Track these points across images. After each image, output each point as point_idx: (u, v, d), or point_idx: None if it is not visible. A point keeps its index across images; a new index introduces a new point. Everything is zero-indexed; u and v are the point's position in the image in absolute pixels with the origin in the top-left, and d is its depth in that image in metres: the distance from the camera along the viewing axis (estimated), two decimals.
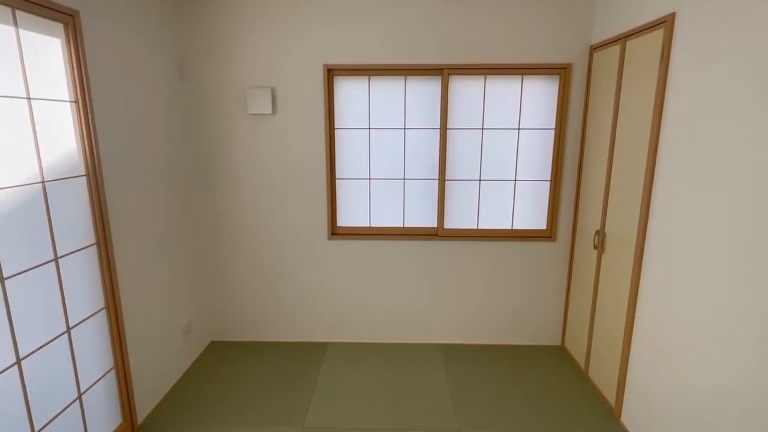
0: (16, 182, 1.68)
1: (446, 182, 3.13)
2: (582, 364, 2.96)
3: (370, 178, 3.15)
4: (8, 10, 1.64)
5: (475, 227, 3.19)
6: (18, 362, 1.69)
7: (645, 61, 2.24)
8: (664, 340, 2.09)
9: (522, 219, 3.18)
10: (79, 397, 2.03)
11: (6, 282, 1.64)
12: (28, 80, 1.74)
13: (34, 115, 1.77)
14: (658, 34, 2.13)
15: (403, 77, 2.99)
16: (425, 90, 3.01)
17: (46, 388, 1.83)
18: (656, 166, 2.15)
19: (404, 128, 3.07)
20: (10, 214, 1.66)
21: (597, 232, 2.72)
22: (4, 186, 1.63)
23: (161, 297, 2.69)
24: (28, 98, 1.74)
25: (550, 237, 3.16)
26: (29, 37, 1.74)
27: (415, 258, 3.22)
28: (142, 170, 2.48)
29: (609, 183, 2.59)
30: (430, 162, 3.11)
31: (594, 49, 2.81)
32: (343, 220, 3.23)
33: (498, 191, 3.14)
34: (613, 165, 2.55)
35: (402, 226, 3.22)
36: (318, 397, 2.70)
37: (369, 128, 3.08)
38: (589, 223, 2.86)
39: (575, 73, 2.91)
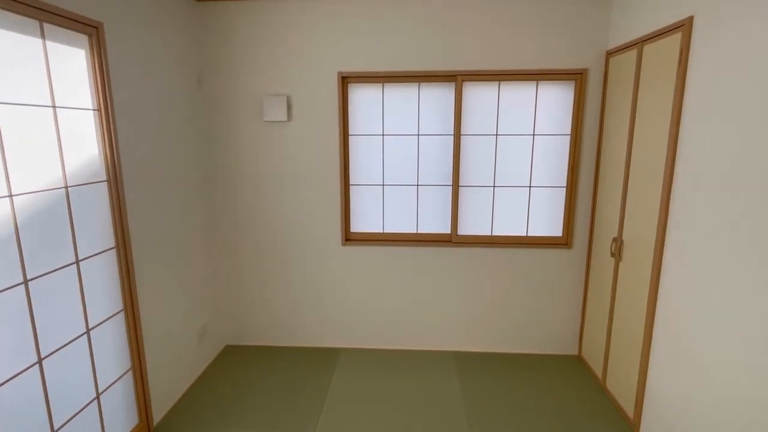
0: (41, 187, 1.75)
1: (460, 188, 3.11)
2: (599, 375, 2.89)
3: (383, 184, 3.16)
4: (36, 23, 1.71)
5: (489, 234, 3.16)
6: (39, 361, 1.74)
7: (663, 66, 2.20)
8: (685, 350, 2.03)
9: (537, 226, 3.14)
10: (97, 397, 2.07)
11: (29, 283, 1.69)
12: (54, 89, 1.81)
13: (59, 123, 1.84)
14: (676, 38, 2.10)
15: (417, 84, 3.01)
16: (438, 96, 3.02)
17: (65, 387, 1.88)
18: (675, 171, 2.11)
19: (418, 134, 3.08)
20: (35, 217, 1.72)
21: (614, 240, 2.67)
22: (29, 190, 1.69)
23: (178, 300, 2.74)
24: (53, 107, 1.81)
25: (566, 244, 3.11)
26: (55, 48, 1.81)
27: (429, 264, 3.21)
28: (161, 176, 2.54)
29: (626, 189, 2.55)
30: (443, 168, 3.11)
31: (610, 54, 2.78)
32: (357, 226, 3.24)
33: (512, 197, 3.11)
34: (630, 171, 2.51)
35: (415, 232, 3.21)
36: (330, 402, 2.70)
37: (383, 135, 3.10)
38: (606, 230, 2.80)
39: (591, 78, 2.88)
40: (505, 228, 3.16)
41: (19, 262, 1.65)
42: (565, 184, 3.07)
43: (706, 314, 1.89)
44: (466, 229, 3.17)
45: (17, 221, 1.64)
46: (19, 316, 1.66)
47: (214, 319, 3.27)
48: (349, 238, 3.24)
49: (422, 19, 2.87)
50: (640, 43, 2.41)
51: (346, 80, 3.02)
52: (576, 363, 3.14)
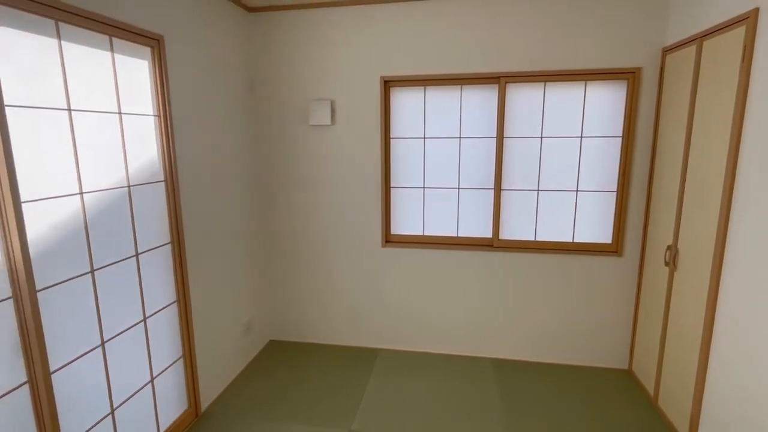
0: (107, 185, 1.93)
1: (502, 192, 3.06)
2: (651, 391, 2.72)
3: (424, 187, 3.17)
4: (106, 37, 1.90)
5: (533, 239, 3.08)
6: (102, 344, 1.91)
7: (724, 62, 2.05)
8: (747, 368, 1.87)
9: (584, 231, 3.01)
10: (152, 381, 2.24)
11: (95, 273, 1.87)
12: (120, 97, 1.99)
13: (124, 128, 2.02)
14: (739, 33, 1.95)
15: (459, 86, 2.99)
16: (481, 98, 2.98)
17: (123, 369, 2.05)
18: (736, 175, 1.95)
19: (459, 137, 3.06)
20: (101, 213, 1.90)
21: (669, 248, 2.51)
22: (97, 189, 1.87)
23: (226, 295, 2.90)
24: (119, 113, 1.99)
25: (616, 251, 2.96)
26: (122, 59, 1.99)
27: (469, 268, 3.17)
28: (212, 178, 2.71)
29: (683, 194, 2.39)
30: (485, 171, 3.07)
31: (667, 51, 2.62)
32: (397, 228, 3.27)
33: (558, 202, 3.01)
34: (687, 175, 2.35)
35: (456, 235, 3.19)
36: (366, 401, 2.74)
37: (424, 137, 3.11)
38: (660, 237, 2.64)
39: (645, 77, 2.73)
40: (550, 233, 3.05)
41: (87, 253, 1.83)
42: (615, 189, 2.92)
43: None
44: (508, 233, 3.11)
45: (86, 216, 1.82)
46: (86, 302, 1.83)
47: (259, 315, 3.42)
48: (390, 240, 3.27)
49: (465, 21, 2.86)
50: (699, 39, 2.26)
51: (388, 84, 3.06)
52: (625, 377, 2.97)
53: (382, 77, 3.01)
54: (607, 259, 2.98)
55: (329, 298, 3.42)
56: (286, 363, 3.20)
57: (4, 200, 1.47)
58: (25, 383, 1.58)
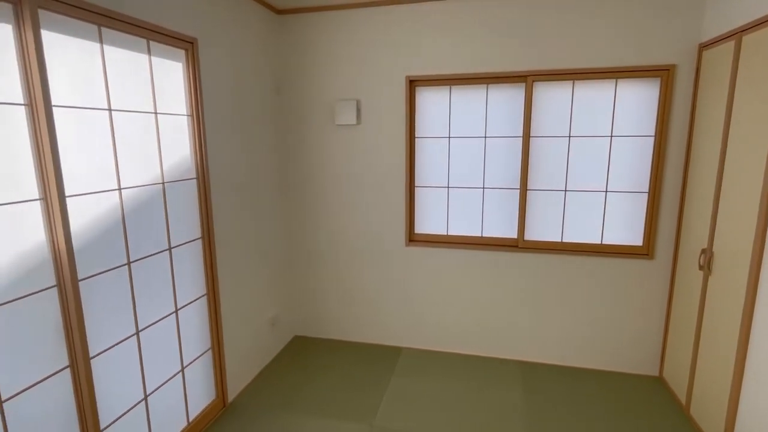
0: (143, 182, 2.02)
1: (528, 192, 3.02)
2: (683, 399, 2.63)
3: (448, 186, 3.17)
4: (144, 41, 1.99)
5: (559, 240, 3.02)
6: (137, 333, 2.01)
7: (765, 59, 1.97)
8: None
9: (613, 233, 2.94)
10: (182, 370, 2.33)
11: (132, 265, 1.96)
12: (156, 98, 2.08)
13: (159, 127, 2.11)
14: None
15: (485, 86, 2.98)
16: (507, 97, 2.95)
17: (156, 358, 2.14)
18: None
19: (485, 136, 3.04)
20: (137, 208, 1.99)
21: (703, 251, 2.42)
22: (134, 185, 1.97)
23: (253, 290, 2.98)
24: (155, 113, 2.08)
25: (647, 254, 2.87)
26: (158, 62, 2.09)
27: (494, 269, 3.14)
28: (241, 176, 2.79)
29: (719, 196, 2.30)
30: (510, 171, 3.04)
31: (704, 47, 2.53)
32: (421, 228, 3.27)
33: (586, 203, 2.95)
34: (724, 176, 2.26)
35: (480, 235, 3.17)
36: (388, 398, 2.76)
37: (449, 137, 3.10)
38: (694, 240, 2.55)
39: (680, 74, 2.64)
40: (577, 234, 2.99)
41: (124, 246, 1.92)
42: (647, 190, 2.84)
43: None
44: (533, 234, 3.06)
45: (124, 211, 1.91)
46: (123, 292, 1.93)
47: (285, 310, 3.49)
48: (413, 239, 3.28)
49: (491, 19, 2.84)
50: (738, 34, 2.17)
51: (413, 84, 3.08)
52: (656, 384, 2.88)
53: (407, 77, 3.03)
54: (638, 261, 2.89)
55: (353, 296, 3.46)
56: (310, 358, 3.26)
57: (50, 194, 1.57)
58: (66, 367, 1.68)
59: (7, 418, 1.48)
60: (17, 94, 1.48)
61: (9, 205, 1.46)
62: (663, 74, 2.68)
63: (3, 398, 1.46)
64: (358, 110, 3.16)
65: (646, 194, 2.84)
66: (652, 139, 2.78)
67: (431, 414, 2.60)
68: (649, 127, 2.77)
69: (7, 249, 1.46)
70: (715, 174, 2.35)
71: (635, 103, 2.77)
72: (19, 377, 1.52)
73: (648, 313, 2.93)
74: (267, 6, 3.00)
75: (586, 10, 2.70)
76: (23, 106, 1.50)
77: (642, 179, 2.84)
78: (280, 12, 3.15)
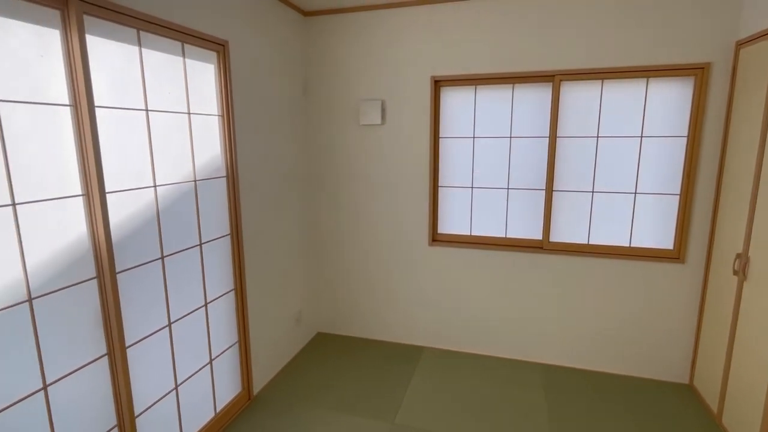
0: (177, 179, 2.10)
1: (554, 193, 2.98)
2: (714, 408, 2.55)
3: (472, 187, 3.16)
4: (179, 44, 2.07)
5: (586, 242, 2.97)
6: (169, 324, 2.09)
7: None
8: None
9: (642, 236, 2.87)
10: (210, 362, 2.41)
11: (165, 259, 2.04)
12: (189, 98, 2.16)
13: (192, 127, 2.19)
14: None
15: (511, 85, 2.95)
16: (533, 97, 2.92)
17: (186, 349, 2.22)
18: None
19: (510, 137, 3.02)
20: (171, 205, 2.07)
21: (738, 256, 2.34)
22: (168, 182, 2.04)
23: (278, 287, 3.05)
24: (188, 113, 2.16)
25: (678, 258, 2.80)
26: (191, 63, 2.16)
27: (517, 270, 3.11)
28: (268, 174, 2.86)
29: (756, 199, 2.22)
30: (536, 172, 3.00)
31: (741, 44, 2.44)
32: (444, 228, 3.27)
33: (614, 204, 2.89)
34: (761, 178, 2.18)
35: (504, 236, 3.15)
36: (410, 397, 2.77)
37: (473, 137, 3.09)
38: (729, 244, 2.47)
39: (715, 73, 2.56)
40: (605, 237, 2.94)
41: (158, 241, 2.00)
42: (678, 192, 2.76)
43: None
44: (559, 236, 3.02)
45: (158, 207, 1.99)
46: (156, 285, 2.01)
47: (309, 308, 3.55)
48: (436, 238, 3.29)
49: (517, 18, 2.82)
50: None
51: (438, 84, 3.08)
52: (686, 392, 2.80)
53: (432, 77, 3.03)
54: (668, 265, 2.82)
55: (376, 295, 3.48)
56: (332, 355, 3.31)
57: (92, 191, 1.66)
58: (104, 355, 1.77)
59: (50, 401, 1.57)
60: (63, 95, 1.57)
61: (55, 201, 1.55)
62: (697, 73, 2.60)
63: (47, 382, 1.55)
64: (383, 110, 3.18)
65: (677, 196, 2.77)
66: (685, 139, 2.70)
67: (452, 415, 2.61)
68: (682, 127, 2.70)
69: (53, 242, 1.55)
70: (752, 176, 2.27)
71: (667, 103, 2.70)
72: (62, 363, 1.61)
73: (678, 318, 2.85)
74: (294, 8, 3.06)
75: (616, 7, 2.65)
76: (68, 107, 1.58)
77: (673, 181, 2.76)
78: (307, 14, 3.20)
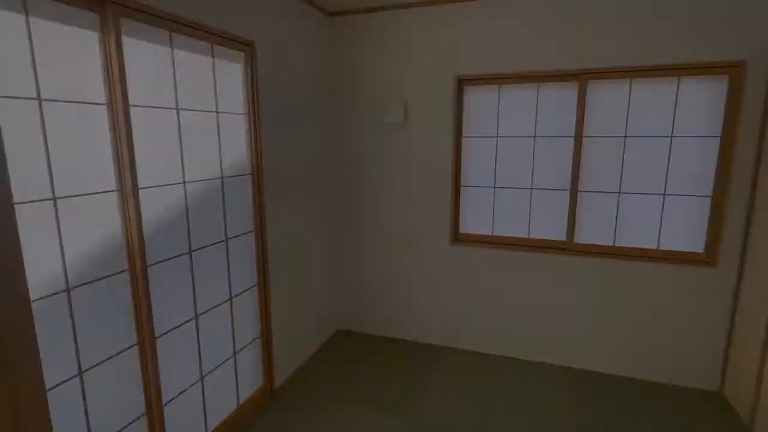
0: (205, 176, 2.16)
1: (579, 193, 2.93)
2: (745, 418, 2.46)
3: (495, 187, 3.13)
4: (208, 45, 2.13)
5: (611, 244, 2.91)
6: (196, 317, 2.15)
7: None
8: None
9: (671, 238, 2.79)
10: (234, 355, 2.47)
11: (192, 254, 2.11)
12: (218, 98, 2.22)
13: (220, 125, 2.25)
14: None
15: (536, 85, 2.92)
16: (559, 96, 2.88)
17: (212, 342, 2.28)
18: None
19: (534, 136, 2.98)
20: (198, 201, 2.13)
21: None
22: (196, 179, 2.11)
23: (299, 283, 3.10)
24: (216, 112, 2.22)
25: (710, 262, 2.71)
26: (219, 63, 2.22)
27: (540, 271, 3.07)
28: (292, 172, 2.91)
29: None
30: (560, 172, 2.96)
31: None
32: (466, 227, 3.26)
33: (641, 205, 2.82)
34: None
35: (527, 237, 3.11)
36: (428, 396, 2.77)
37: (497, 137, 3.07)
38: (764, 249, 2.37)
39: (751, 71, 2.47)
40: (631, 239, 2.87)
41: (187, 236, 2.07)
42: (710, 193, 2.67)
43: None
44: (584, 237, 2.97)
45: (187, 203, 2.06)
46: (184, 279, 2.07)
47: (329, 305, 3.59)
48: (458, 238, 3.27)
49: (542, 17, 2.78)
50: None
51: (462, 83, 3.07)
52: (715, 401, 2.71)
53: (455, 76, 3.03)
54: (699, 269, 2.73)
55: (397, 294, 3.50)
56: (352, 352, 3.34)
57: (126, 186, 1.72)
58: (135, 344, 1.84)
59: (85, 387, 1.64)
60: (100, 94, 1.64)
61: (91, 196, 1.62)
62: (731, 71, 2.52)
63: (82, 369, 1.63)
64: (406, 110, 3.19)
65: (709, 198, 2.68)
66: (718, 140, 2.62)
67: (471, 416, 2.59)
68: (715, 127, 2.61)
69: (89, 235, 1.62)
70: None
71: (699, 102, 2.62)
72: (96, 351, 1.68)
73: (708, 324, 2.76)
74: (319, 9, 3.10)
75: (646, 4, 2.58)
76: (104, 106, 1.65)
77: (704, 182, 2.68)
78: (331, 14, 3.24)
